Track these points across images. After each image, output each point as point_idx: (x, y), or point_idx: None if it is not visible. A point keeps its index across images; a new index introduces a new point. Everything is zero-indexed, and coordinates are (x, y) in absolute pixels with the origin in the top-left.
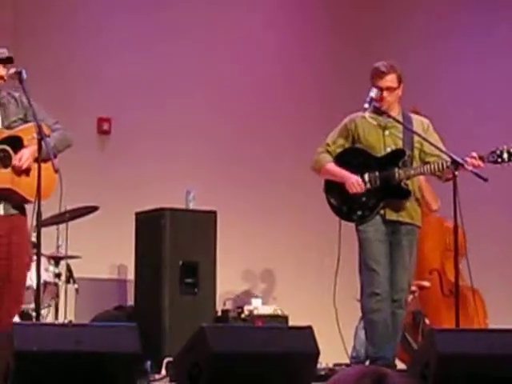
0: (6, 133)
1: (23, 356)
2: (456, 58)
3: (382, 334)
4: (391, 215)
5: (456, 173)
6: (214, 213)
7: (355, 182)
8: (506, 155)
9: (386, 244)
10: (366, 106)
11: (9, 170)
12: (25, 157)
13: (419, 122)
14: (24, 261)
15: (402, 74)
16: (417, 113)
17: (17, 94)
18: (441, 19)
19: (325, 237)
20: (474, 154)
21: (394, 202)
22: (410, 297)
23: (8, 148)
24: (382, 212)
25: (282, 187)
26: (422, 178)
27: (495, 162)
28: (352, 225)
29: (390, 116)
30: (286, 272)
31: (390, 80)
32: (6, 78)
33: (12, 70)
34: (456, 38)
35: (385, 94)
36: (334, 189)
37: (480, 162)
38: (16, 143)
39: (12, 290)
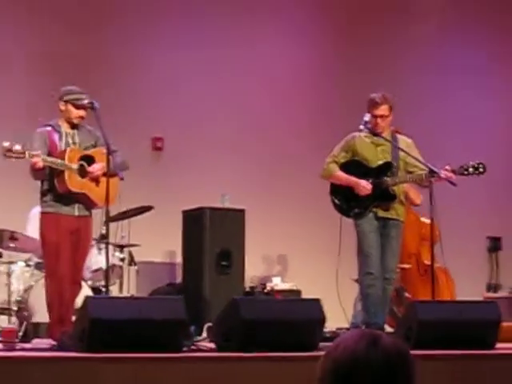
0: (83, 153)
1: (95, 322)
2: (439, 89)
3: (375, 305)
4: (382, 213)
5: (432, 179)
6: (242, 211)
7: (365, 185)
8: (471, 169)
9: (377, 235)
10: (361, 127)
11: (84, 180)
12: (97, 168)
13: (404, 141)
14: (86, 251)
15: (393, 104)
16: (398, 132)
17: (90, 128)
18: (428, 57)
19: (330, 230)
20: (448, 168)
21: (383, 203)
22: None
23: (84, 163)
24: (374, 210)
25: (295, 191)
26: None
27: (462, 174)
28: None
29: (381, 137)
30: (299, 257)
31: (383, 110)
32: (85, 117)
33: (86, 101)
34: (441, 74)
35: (379, 120)
36: (337, 191)
37: (452, 174)
38: (89, 160)
39: (79, 274)
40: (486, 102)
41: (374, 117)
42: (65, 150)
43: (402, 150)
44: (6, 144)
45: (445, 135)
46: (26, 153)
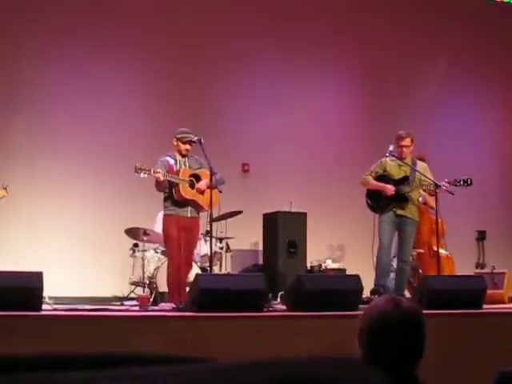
0: (192, 172)
1: (203, 291)
2: (449, 125)
3: (382, 270)
4: (399, 211)
5: (437, 190)
6: (305, 214)
7: (390, 188)
8: (462, 182)
9: (391, 227)
10: (387, 154)
11: (194, 190)
12: (202, 183)
13: (421, 165)
14: (195, 242)
15: (413, 138)
16: (422, 158)
17: (197, 157)
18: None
19: (366, 224)
20: (446, 180)
21: (400, 203)
22: (411, 258)
23: (193, 179)
24: (394, 209)
25: (340, 198)
26: (424, 193)
27: (455, 185)
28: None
29: (404, 162)
30: (344, 244)
31: (407, 141)
32: (190, 150)
33: (195, 138)
34: (449, 117)
35: (404, 149)
36: (370, 195)
37: (446, 185)
38: (197, 178)
39: (190, 259)
40: (475, 127)
41: (401, 146)
42: (179, 170)
43: (417, 171)
44: (138, 164)
45: (447, 154)
46: (151, 170)
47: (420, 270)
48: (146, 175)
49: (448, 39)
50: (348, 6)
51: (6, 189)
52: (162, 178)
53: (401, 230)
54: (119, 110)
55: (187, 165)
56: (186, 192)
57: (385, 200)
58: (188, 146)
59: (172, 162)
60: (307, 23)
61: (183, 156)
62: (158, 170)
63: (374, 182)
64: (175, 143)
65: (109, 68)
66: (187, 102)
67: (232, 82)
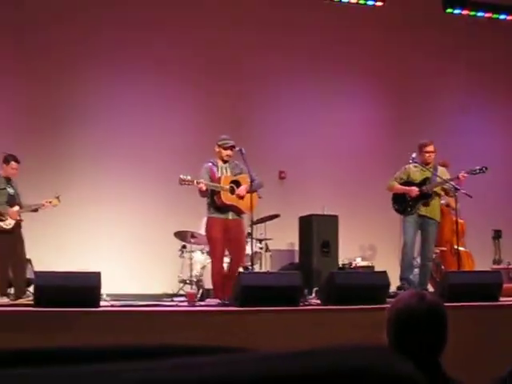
0: (233, 178)
1: (245, 288)
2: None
3: (406, 265)
4: (422, 211)
5: (456, 193)
6: (336, 216)
7: (414, 189)
8: (477, 170)
9: (414, 227)
10: (410, 161)
11: (234, 196)
12: (241, 189)
13: (442, 171)
14: (241, 241)
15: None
16: (445, 164)
17: (237, 162)
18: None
19: (392, 225)
20: (463, 172)
21: (424, 200)
22: (434, 255)
23: (234, 185)
24: (417, 210)
25: (369, 203)
26: (448, 198)
27: (473, 174)
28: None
29: (426, 168)
30: (372, 243)
31: (431, 148)
32: (231, 156)
33: (237, 148)
34: (470, 129)
35: (429, 155)
36: (395, 199)
37: (465, 175)
38: (237, 183)
39: (239, 256)
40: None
41: (426, 152)
42: (220, 177)
43: (438, 176)
44: (182, 176)
45: (467, 164)
46: (194, 181)
47: (442, 267)
48: (188, 185)
49: (465, 52)
50: (374, 26)
51: (58, 198)
52: (204, 188)
53: (423, 230)
54: (164, 120)
55: (228, 170)
56: (227, 198)
57: (410, 201)
58: (229, 152)
59: (214, 168)
60: (337, 43)
61: (224, 162)
62: (201, 181)
63: (399, 186)
64: (217, 150)
65: (155, 84)
66: (230, 114)
67: (270, 95)
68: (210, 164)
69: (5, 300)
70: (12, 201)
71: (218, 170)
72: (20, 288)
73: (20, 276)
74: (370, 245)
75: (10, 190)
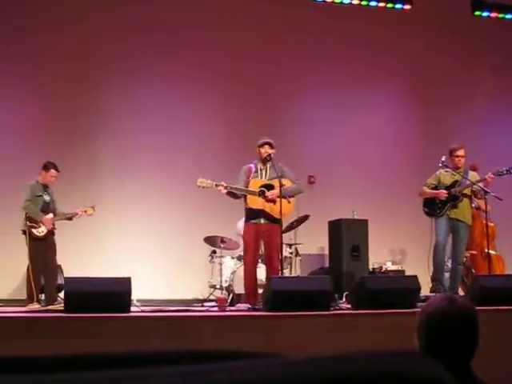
0: (266, 182)
1: (275, 292)
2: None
3: (438, 265)
4: (453, 215)
5: (486, 197)
6: (366, 220)
7: (443, 192)
8: (504, 171)
9: (446, 229)
10: (440, 165)
11: (263, 200)
12: (272, 192)
13: (472, 174)
14: (275, 246)
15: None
16: (475, 168)
17: (280, 164)
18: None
19: (422, 229)
20: (490, 173)
21: (454, 202)
22: (465, 259)
23: (264, 189)
24: (448, 213)
25: (399, 208)
26: (478, 200)
27: (500, 175)
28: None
29: (456, 171)
30: (403, 248)
31: (462, 152)
32: (269, 152)
33: (270, 151)
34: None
35: (460, 159)
36: (426, 203)
37: (492, 176)
38: (269, 187)
39: (271, 261)
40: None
41: (456, 157)
42: (249, 181)
43: (469, 180)
44: (199, 180)
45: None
46: (213, 184)
47: (473, 270)
48: (206, 188)
49: (487, 55)
50: (402, 29)
51: (93, 207)
52: (223, 191)
53: (454, 232)
54: (191, 124)
55: (267, 172)
56: (253, 202)
57: (439, 203)
58: (267, 149)
59: (253, 169)
60: (367, 47)
61: (264, 163)
62: (220, 183)
63: (429, 191)
64: (256, 151)
65: (182, 91)
66: (258, 119)
67: (298, 100)
68: (250, 165)
69: (36, 306)
70: (46, 208)
71: (256, 172)
72: (51, 294)
73: (51, 282)
74: (401, 249)
75: (46, 198)
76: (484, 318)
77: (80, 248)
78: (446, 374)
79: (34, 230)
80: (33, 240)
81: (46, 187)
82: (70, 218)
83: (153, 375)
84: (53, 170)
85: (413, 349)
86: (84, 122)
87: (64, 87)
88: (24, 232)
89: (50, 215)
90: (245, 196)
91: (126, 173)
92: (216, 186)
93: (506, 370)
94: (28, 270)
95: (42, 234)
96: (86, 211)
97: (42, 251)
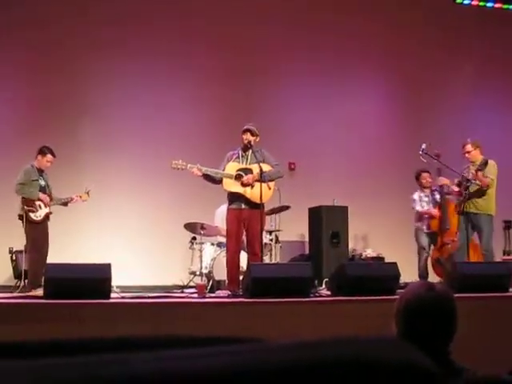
0: (244, 166)
1: (255, 279)
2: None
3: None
4: (468, 209)
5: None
6: (346, 207)
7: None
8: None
9: (467, 226)
10: (420, 152)
11: (239, 184)
12: (248, 177)
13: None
14: (255, 232)
15: (476, 143)
16: (438, 155)
17: (263, 150)
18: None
19: (401, 217)
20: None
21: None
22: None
23: (241, 173)
24: (465, 210)
25: (377, 196)
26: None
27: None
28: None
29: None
30: (382, 235)
31: (467, 148)
32: (249, 139)
33: (251, 138)
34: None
35: (466, 155)
36: None
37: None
38: (247, 171)
39: (252, 247)
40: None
41: (463, 153)
42: (225, 166)
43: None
44: (174, 162)
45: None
46: (188, 166)
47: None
48: (180, 170)
49: (477, 43)
50: (385, 19)
51: (88, 193)
52: (198, 173)
53: (474, 225)
54: (176, 112)
55: (248, 159)
56: (228, 185)
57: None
58: (248, 136)
59: (235, 156)
60: (349, 36)
61: (246, 149)
62: (194, 165)
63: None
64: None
65: (168, 77)
66: (241, 106)
67: (281, 87)
68: (234, 152)
69: (40, 292)
70: (43, 192)
71: (237, 158)
72: (38, 279)
73: (41, 267)
74: (380, 235)
75: (42, 182)
76: (463, 305)
77: (60, 234)
78: (424, 358)
79: (31, 215)
80: (30, 224)
81: (41, 172)
82: (65, 204)
83: (132, 360)
84: (49, 155)
85: (390, 334)
86: (63, 106)
87: (49, 75)
88: (21, 217)
89: (47, 198)
90: (220, 180)
91: (108, 159)
92: (190, 168)
93: (482, 354)
94: (26, 254)
95: (40, 218)
96: (80, 196)
97: (43, 235)
